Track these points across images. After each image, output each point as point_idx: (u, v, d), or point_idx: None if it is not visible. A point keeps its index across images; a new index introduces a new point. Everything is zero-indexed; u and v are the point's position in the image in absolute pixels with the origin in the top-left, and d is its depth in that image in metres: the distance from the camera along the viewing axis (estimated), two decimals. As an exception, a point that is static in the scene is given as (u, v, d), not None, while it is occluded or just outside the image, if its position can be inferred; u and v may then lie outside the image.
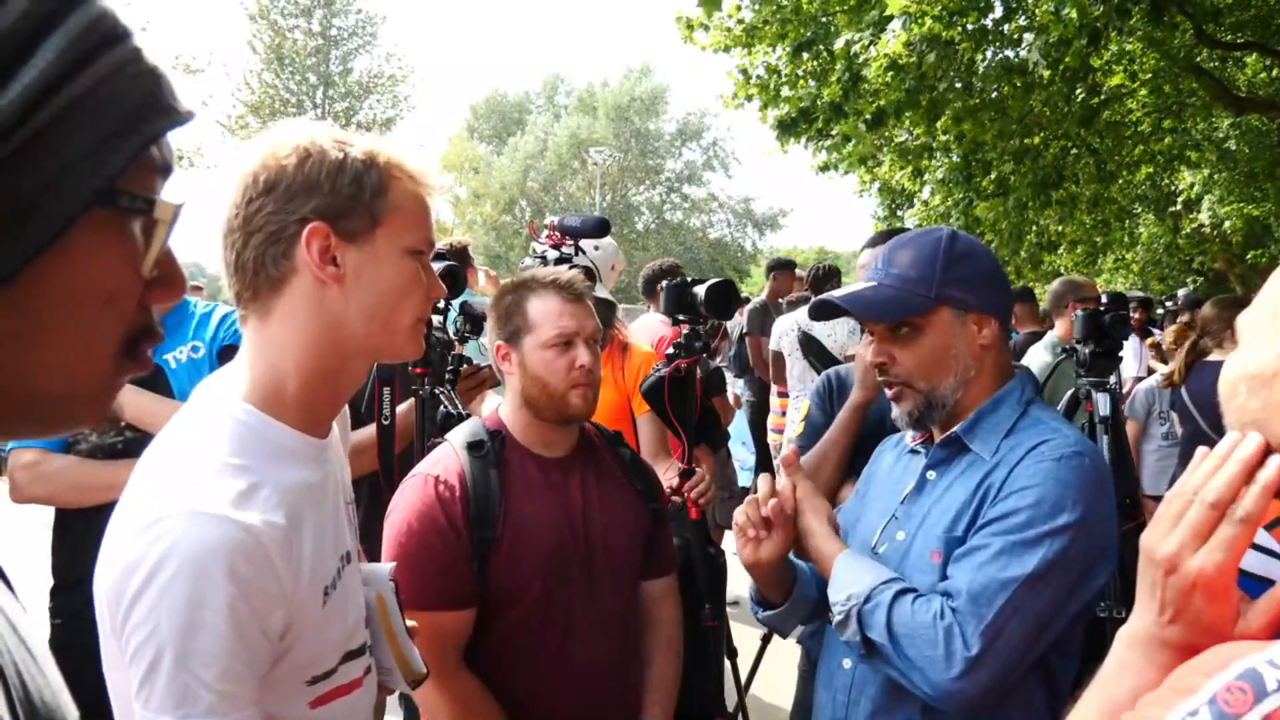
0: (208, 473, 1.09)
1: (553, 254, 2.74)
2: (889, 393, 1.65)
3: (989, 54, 7.84)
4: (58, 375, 0.58)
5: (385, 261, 1.17)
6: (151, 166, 0.61)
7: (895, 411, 1.65)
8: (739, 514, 1.63)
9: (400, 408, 2.33)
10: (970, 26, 7.07)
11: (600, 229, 2.80)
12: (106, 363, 0.60)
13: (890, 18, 6.43)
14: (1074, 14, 6.04)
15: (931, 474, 1.64)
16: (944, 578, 1.51)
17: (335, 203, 1.13)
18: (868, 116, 7.90)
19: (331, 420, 1.26)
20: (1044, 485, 1.45)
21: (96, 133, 0.55)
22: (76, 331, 0.58)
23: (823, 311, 1.71)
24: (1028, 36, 6.98)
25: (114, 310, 0.60)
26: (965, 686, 1.39)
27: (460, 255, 4.59)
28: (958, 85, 7.65)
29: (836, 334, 5.77)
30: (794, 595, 1.72)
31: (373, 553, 1.96)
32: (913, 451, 1.74)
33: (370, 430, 2.32)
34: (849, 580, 1.52)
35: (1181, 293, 8.45)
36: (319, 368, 1.18)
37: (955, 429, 1.61)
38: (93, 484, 2.10)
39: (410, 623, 1.52)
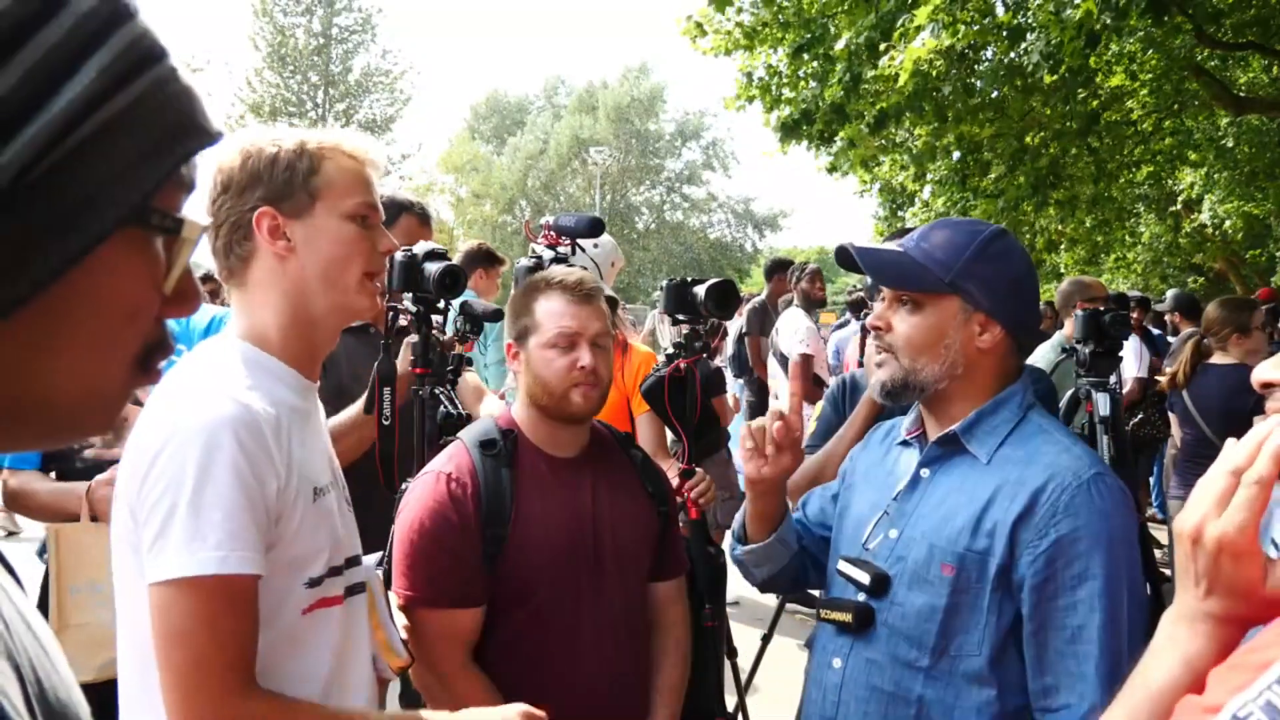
0: (213, 375, 1.33)
1: (548, 254, 2.74)
2: (878, 358, 1.66)
3: (988, 54, 7.82)
4: (75, 384, 0.58)
5: (327, 228, 1.40)
6: (179, 184, 0.61)
7: (874, 377, 1.66)
8: (744, 431, 1.66)
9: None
10: (1003, 27, 6.98)
11: (594, 228, 2.78)
12: (122, 375, 0.61)
13: (919, 27, 6.36)
14: (1076, 16, 5.99)
15: (925, 471, 1.63)
16: (955, 591, 1.49)
17: (275, 189, 1.37)
18: (870, 120, 7.87)
19: (315, 367, 1.47)
20: (1088, 522, 1.44)
21: (132, 150, 0.56)
22: (97, 343, 0.58)
23: (841, 260, 1.71)
24: (1028, 36, 6.93)
25: (134, 324, 0.60)
26: None
27: (487, 257, 4.62)
28: (958, 86, 7.64)
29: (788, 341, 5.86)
30: (777, 534, 1.76)
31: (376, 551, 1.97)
32: (904, 444, 1.71)
33: (349, 412, 2.27)
34: None
35: (1171, 293, 8.37)
36: (293, 323, 1.40)
37: (953, 428, 1.59)
38: (38, 505, 2.34)
39: (400, 619, 1.59)
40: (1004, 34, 6.96)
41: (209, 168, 1.38)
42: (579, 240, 2.80)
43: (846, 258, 1.66)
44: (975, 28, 6.72)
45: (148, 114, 0.56)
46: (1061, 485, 1.46)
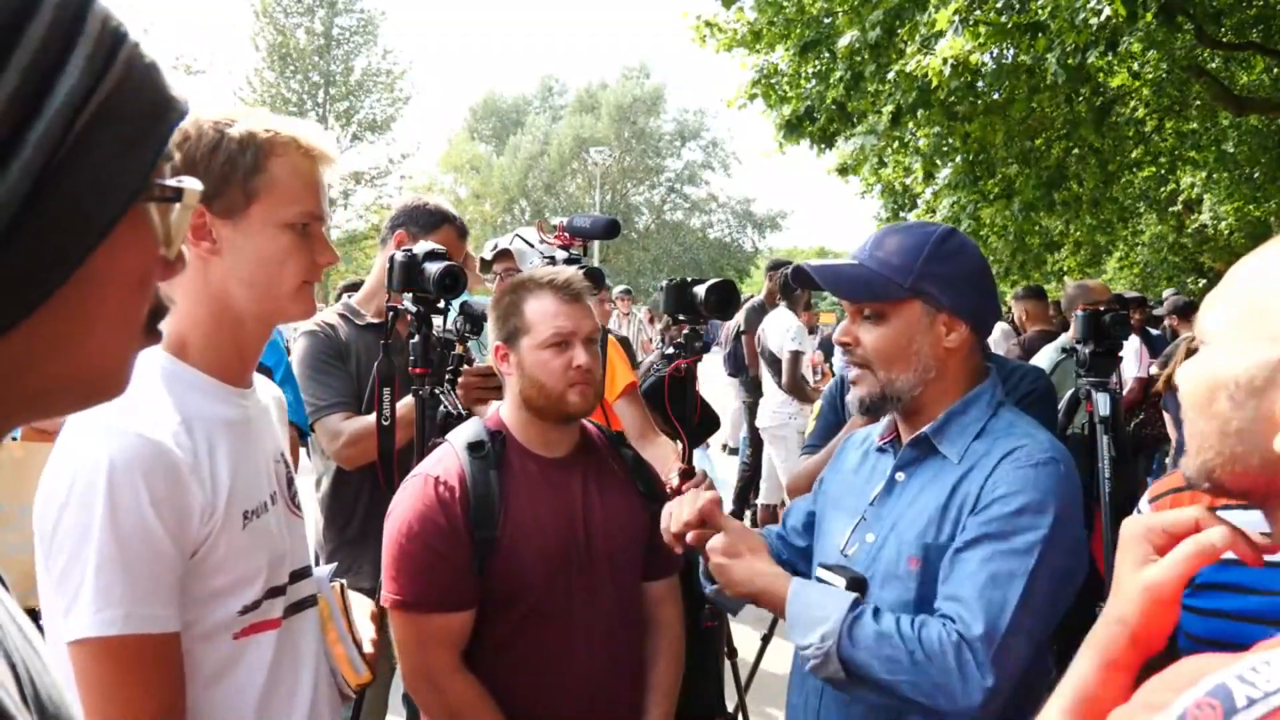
0: (124, 402, 1.19)
1: (561, 254, 2.73)
2: (852, 374, 1.64)
3: (991, 54, 7.80)
4: (97, 360, 0.61)
5: (260, 235, 1.27)
6: (165, 156, 0.63)
7: (850, 394, 1.64)
8: (667, 517, 1.67)
9: (401, 403, 2.34)
10: (1022, 27, 6.94)
11: (610, 230, 2.77)
12: (136, 342, 0.63)
13: (940, 32, 6.34)
14: (1092, 19, 5.94)
15: (900, 475, 1.62)
16: (922, 583, 1.50)
17: (209, 182, 1.19)
18: (887, 118, 7.84)
19: (247, 372, 1.36)
20: (1024, 491, 1.44)
21: (126, 132, 0.57)
22: (118, 318, 0.61)
23: (798, 279, 1.71)
24: (1049, 41, 6.89)
25: (144, 293, 0.63)
26: (986, 715, 1.38)
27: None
28: (961, 85, 7.61)
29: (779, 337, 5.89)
30: None
31: (375, 553, 1.97)
32: (880, 450, 1.71)
33: (365, 420, 2.30)
34: (812, 617, 1.47)
35: (1167, 294, 8.35)
36: (215, 329, 1.29)
37: (924, 430, 1.58)
38: None
39: (369, 631, 1.56)
40: (1024, 35, 6.92)
41: None
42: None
43: (804, 276, 1.66)
44: (994, 28, 6.66)
45: (131, 93, 0.58)
46: (1013, 462, 1.47)
